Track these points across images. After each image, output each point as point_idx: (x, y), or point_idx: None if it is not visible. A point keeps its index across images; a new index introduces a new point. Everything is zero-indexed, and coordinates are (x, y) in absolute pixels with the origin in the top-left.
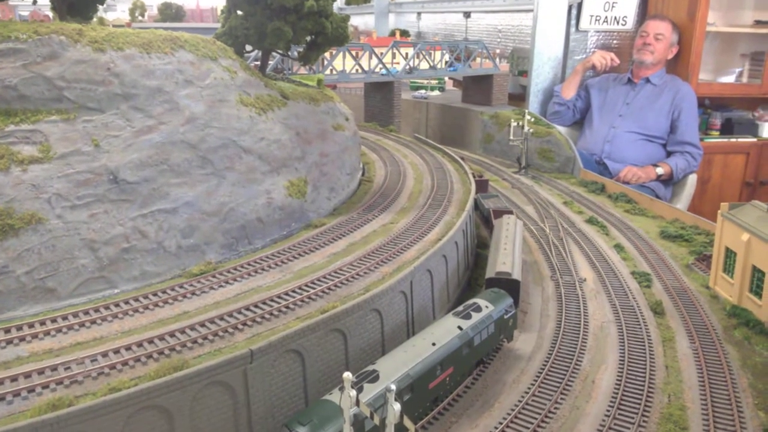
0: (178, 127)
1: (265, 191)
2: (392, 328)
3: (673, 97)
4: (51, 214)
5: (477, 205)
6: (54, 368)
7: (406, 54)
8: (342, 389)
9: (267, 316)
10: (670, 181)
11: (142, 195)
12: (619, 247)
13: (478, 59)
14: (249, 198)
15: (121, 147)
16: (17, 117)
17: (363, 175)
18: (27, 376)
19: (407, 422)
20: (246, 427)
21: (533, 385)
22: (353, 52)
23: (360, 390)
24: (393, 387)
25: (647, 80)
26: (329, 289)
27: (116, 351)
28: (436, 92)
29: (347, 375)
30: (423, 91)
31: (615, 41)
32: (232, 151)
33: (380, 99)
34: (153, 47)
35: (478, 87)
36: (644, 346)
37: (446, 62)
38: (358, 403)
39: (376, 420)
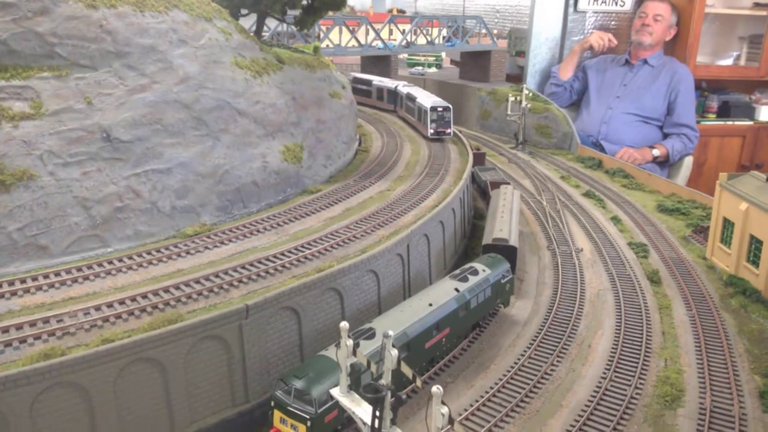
0: (172, 86)
1: (260, 155)
2: (388, 290)
3: (670, 79)
4: (43, 171)
5: (474, 178)
6: (46, 321)
7: (403, 30)
8: (338, 345)
9: (262, 274)
10: (666, 163)
11: (136, 154)
12: (616, 220)
13: (476, 36)
14: (244, 161)
15: (114, 105)
16: (8, 73)
17: (360, 145)
18: (18, 327)
19: (405, 368)
20: (241, 382)
21: (529, 348)
22: (350, 27)
23: (357, 346)
24: (390, 333)
25: (645, 61)
26: (325, 250)
27: (109, 305)
28: (433, 69)
29: (344, 324)
30: (420, 68)
31: (613, 22)
32: (227, 113)
33: (378, 73)
34: (146, 5)
35: (475, 63)
36: (641, 312)
37: (444, 38)
38: (355, 353)
39: (374, 369)
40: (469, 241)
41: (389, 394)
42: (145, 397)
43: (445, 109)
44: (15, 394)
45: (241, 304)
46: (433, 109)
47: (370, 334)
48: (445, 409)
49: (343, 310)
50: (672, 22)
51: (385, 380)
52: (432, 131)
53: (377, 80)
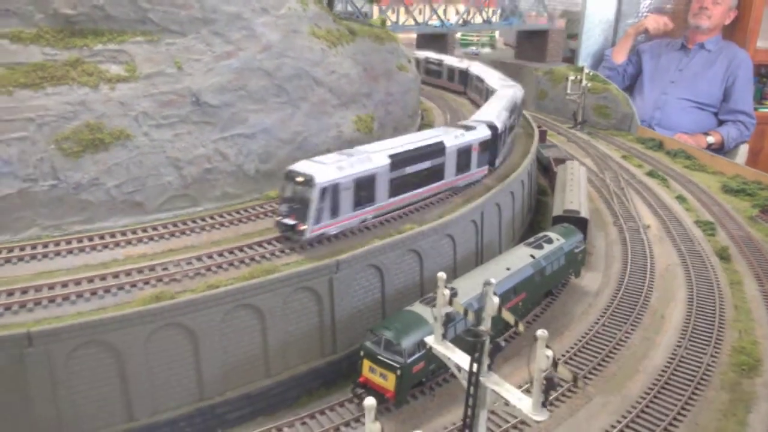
0: (256, 54)
1: (335, 124)
2: (463, 255)
3: (728, 64)
4: (138, 132)
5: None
6: (152, 268)
7: (456, 10)
8: (423, 301)
9: (347, 234)
10: (721, 151)
11: (223, 119)
12: (681, 199)
13: (533, 15)
14: (320, 129)
15: (202, 70)
16: (104, 37)
17: (422, 120)
18: (127, 273)
19: (506, 314)
20: (330, 332)
21: (602, 316)
22: (407, 4)
23: (454, 296)
24: (493, 281)
25: (702, 46)
26: (404, 214)
27: (209, 256)
28: (487, 49)
29: (441, 274)
30: (474, 48)
31: (669, 4)
32: (306, 81)
33: (433, 52)
34: None
35: (532, 43)
36: (712, 286)
37: (500, 16)
38: (451, 302)
39: (471, 317)
40: (534, 216)
41: (489, 340)
42: (245, 342)
43: None
44: (130, 333)
45: (333, 259)
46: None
47: (453, 293)
48: (549, 352)
49: (421, 272)
50: (732, 5)
51: (485, 326)
52: None
53: (448, 60)
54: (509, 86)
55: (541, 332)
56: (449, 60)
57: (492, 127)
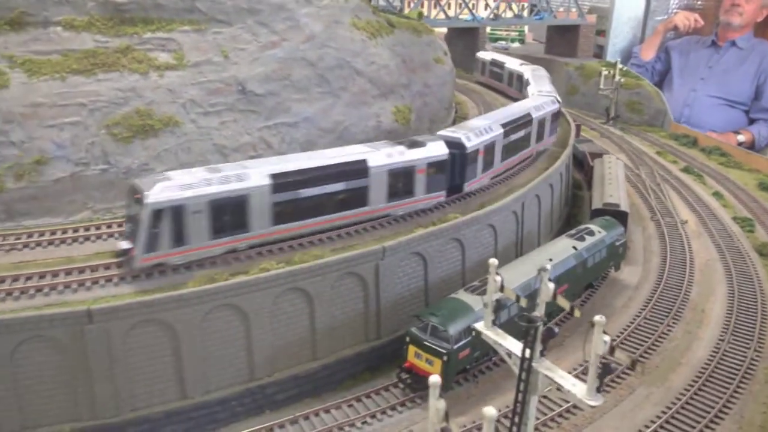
0: (299, 44)
1: (374, 114)
2: (504, 245)
3: (760, 62)
4: (186, 119)
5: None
6: None
7: (487, 5)
8: (468, 289)
9: (390, 221)
10: (752, 150)
11: (268, 107)
12: (717, 195)
13: (563, 10)
14: (360, 119)
15: (248, 60)
16: (154, 25)
17: (456, 113)
18: None
19: (561, 300)
20: (374, 318)
21: (643, 309)
22: None
23: (483, 293)
24: (548, 266)
25: (733, 43)
26: (446, 203)
27: None
28: (516, 44)
29: (493, 261)
30: (504, 43)
31: (700, 1)
32: (347, 72)
33: (464, 46)
34: None
35: (562, 38)
36: (753, 282)
37: (531, 11)
38: (502, 289)
39: (523, 303)
40: (571, 209)
41: (542, 326)
42: (294, 325)
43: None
44: (186, 312)
45: (379, 246)
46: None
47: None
48: (607, 337)
49: (463, 260)
50: (764, 3)
51: (539, 312)
52: None
53: (510, 63)
54: (543, 95)
55: (598, 318)
56: (510, 63)
57: (454, 144)
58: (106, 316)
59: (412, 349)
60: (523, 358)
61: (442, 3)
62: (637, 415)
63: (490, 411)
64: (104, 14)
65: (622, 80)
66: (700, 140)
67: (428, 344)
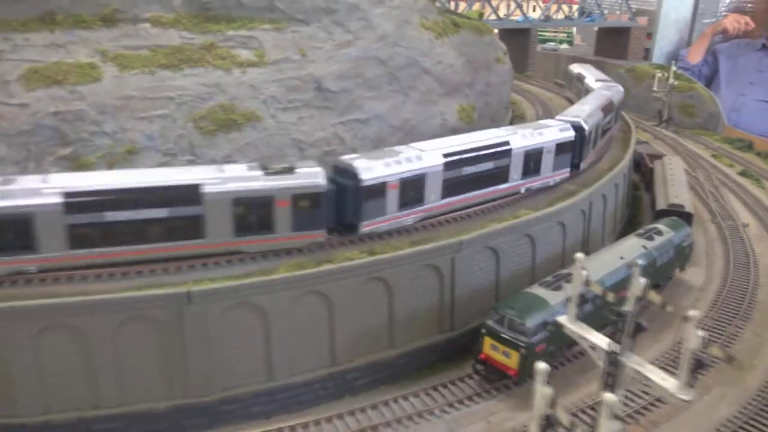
0: (372, 43)
1: (440, 113)
2: (571, 243)
3: None
4: (266, 114)
5: None
6: None
7: (535, 7)
8: (543, 284)
9: (464, 216)
10: None
11: (342, 104)
12: None
13: (617, 12)
14: (427, 117)
15: (324, 58)
16: (236, 23)
17: (513, 112)
18: None
19: (653, 296)
20: (448, 311)
21: (711, 310)
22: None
23: (558, 288)
24: (640, 261)
25: None
26: (517, 201)
27: None
28: (565, 45)
29: (580, 255)
30: (553, 44)
31: (750, 4)
32: (416, 71)
33: (515, 47)
34: None
35: (613, 40)
36: None
37: (582, 13)
38: (588, 283)
39: (610, 297)
40: (632, 210)
41: (631, 320)
42: (374, 313)
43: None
44: (276, 298)
45: (455, 239)
46: None
47: (570, 278)
48: (701, 332)
49: (533, 257)
50: None
51: (629, 307)
52: None
53: (590, 77)
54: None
55: (693, 312)
56: (589, 79)
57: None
58: (205, 298)
59: (488, 341)
60: (610, 352)
61: (494, 4)
62: (714, 414)
63: (610, 397)
64: (190, 12)
65: (676, 83)
66: (755, 144)
67: (505, 337)
